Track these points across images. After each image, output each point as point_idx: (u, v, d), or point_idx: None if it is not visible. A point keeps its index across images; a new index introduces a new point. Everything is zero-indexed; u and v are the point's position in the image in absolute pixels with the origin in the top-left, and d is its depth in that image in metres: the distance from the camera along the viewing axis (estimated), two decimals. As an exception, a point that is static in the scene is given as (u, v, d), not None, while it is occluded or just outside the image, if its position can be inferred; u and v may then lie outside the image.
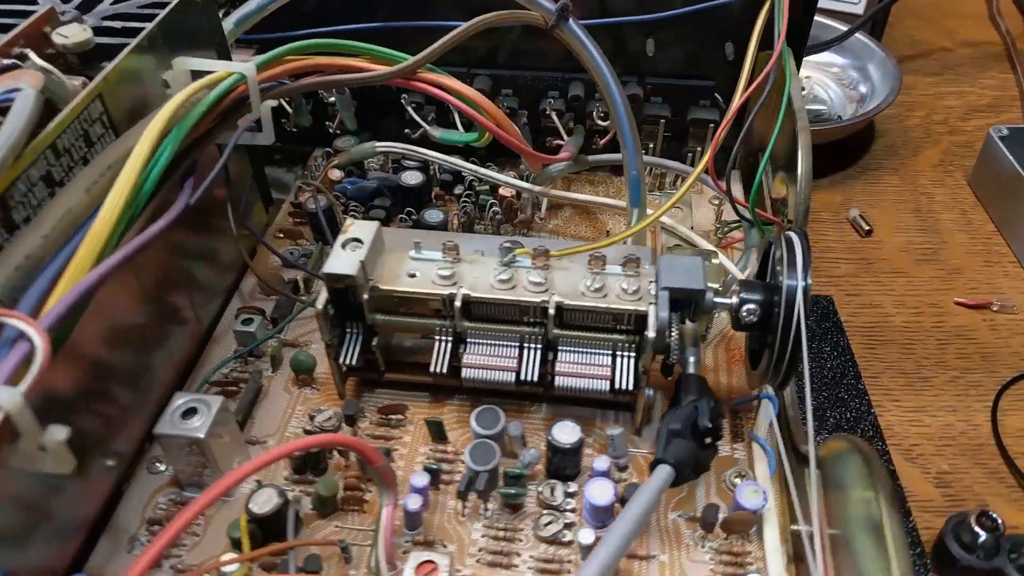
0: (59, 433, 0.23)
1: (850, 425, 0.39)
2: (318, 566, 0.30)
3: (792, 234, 0.32)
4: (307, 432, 0.36)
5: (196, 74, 0.35)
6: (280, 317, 0.40)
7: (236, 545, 0.31)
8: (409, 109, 0.47)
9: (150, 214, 0.30)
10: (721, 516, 0.32)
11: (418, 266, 0.34)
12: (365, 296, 0.33)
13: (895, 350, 0.44)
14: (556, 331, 0.34)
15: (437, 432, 0.36)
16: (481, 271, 0.34)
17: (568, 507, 0.33)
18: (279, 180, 0.52)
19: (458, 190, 0.47)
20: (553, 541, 0.32)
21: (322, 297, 0.33)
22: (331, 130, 0.49)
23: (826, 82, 0.59)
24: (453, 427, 0.36)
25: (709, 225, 0.46)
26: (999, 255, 0.49)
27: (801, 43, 0.43)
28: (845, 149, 0.56)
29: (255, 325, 0.39)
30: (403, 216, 0.45)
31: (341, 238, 0.34)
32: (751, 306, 0.32)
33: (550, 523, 0.32)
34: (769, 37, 0.41)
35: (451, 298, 0.33)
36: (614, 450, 0.34)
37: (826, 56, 0.59)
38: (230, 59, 0.42)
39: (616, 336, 0.34)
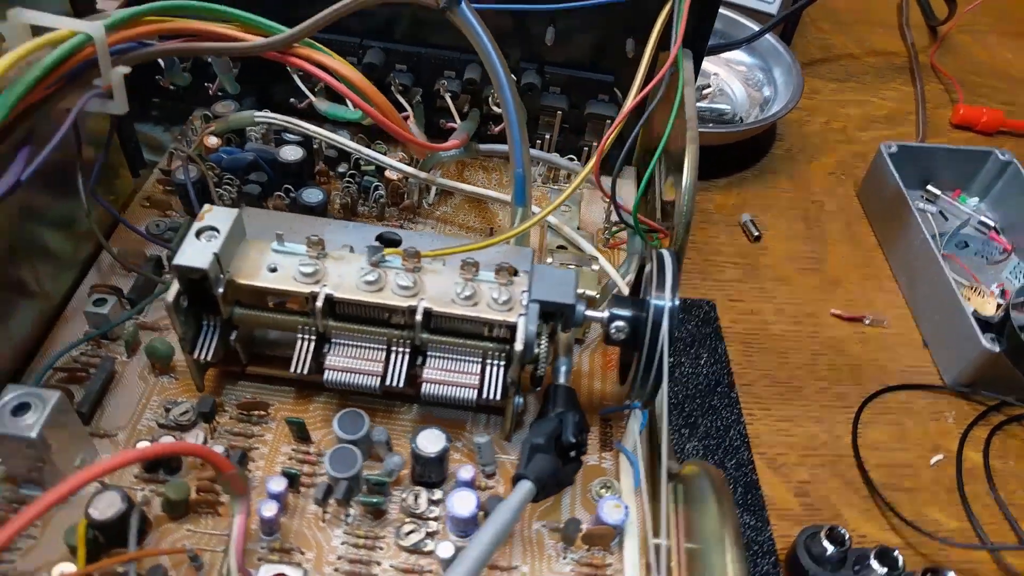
0: None
1: (720, 433, 0.40)
2: (162, 576, 0.29)
3: (664, 252, 0.32)
4: (160, 426, 0.34)
5: (38, 30, 0.32)
6: (138, 297, 0.38)
7: (74, 552, 0.29)
8: (295, 77, 0.44)
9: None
10: (585, 527, 0.32)
11: (280, 259, 0.32)
12: (220, 291, 0.31)
13: (771, 358, 0.45)
14: (425, 336, 0.32)
15: (299, 432, 0.34)
16: (347, 269, 0.32)
17: (431, 515, 0.32)
18: (154, 140, 0.49)
19: (342, 168, 0.45)
20: (414, 551, 0.31)
21: (173, 290, 0.31)
22: (211, 92, 0.46)
23: (733, 80, 0.59)
24: (318, 427, 0.35)
25: (599, 223, 0.46)
26: (877, 269, 0.51)
27: (702, 44, 0.43)
28: (745, 150, 0.56)
29: (108, 306, 0.36)
30: (280, 194, 0.43)
31: (196, 225, 0.32)
32: (620, 323, 0.32)
33: (412, 532, 0.32)
34: (671, 36, 0.41)
35: (313, 297, 0.31)
36: (481, 458, 0.34)
37: (735, 54, 0.59)
38: (94, 8, 0.39)
39: (487, 344, 0.33)
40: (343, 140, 0.43)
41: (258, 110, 0.45)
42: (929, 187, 0.53)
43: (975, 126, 0.61)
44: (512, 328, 0.32)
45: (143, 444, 0.32)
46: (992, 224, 0.51)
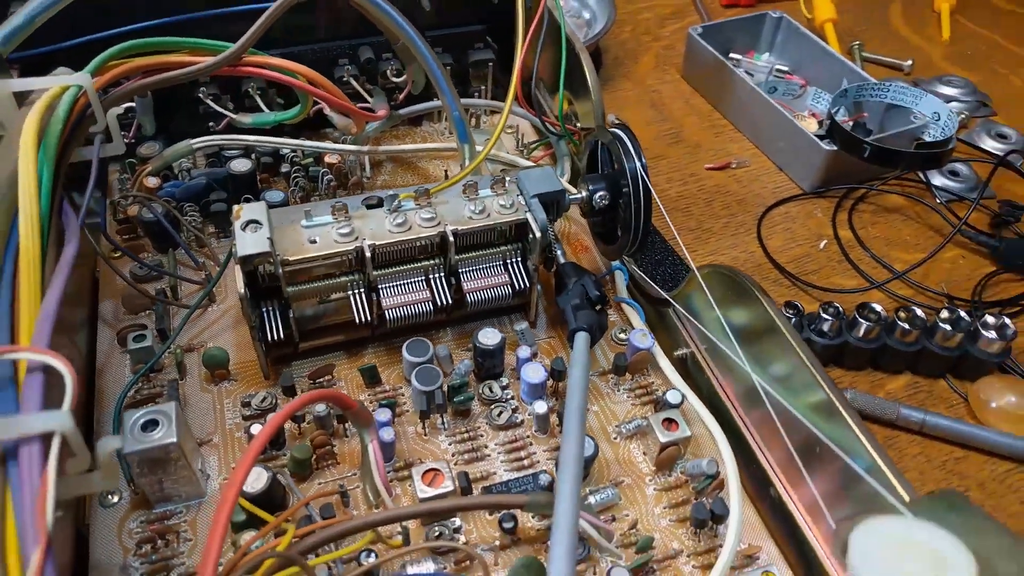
0: (114, 442, 0.23)
1: (672, 276, 0.49)
2: (332, 512, 0.33)
3: (616, 131, 0.40)
4: (245, 418, 0.37)
5: (19, 96, 0.34)
6: (167, 328, 0.40)
7: (239, 528, 0.32)
8: (208, 101, 0.47)
9: (55, 237, 0.30)
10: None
11: (314, 232, 0.37)
12: (280, 271, 0.35)
13: (680, 215, 0.55)
14: (455, 257, 0.38)
15: (371, 377, 0.39)
16: (373, 222, 0.37)
17: (508, 397, 0.39)
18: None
19: (284, 169, 0.49)
20: (509, 426, 0.37)
21: (240, 282, 0.34)
22: (128, 139, 0.48)
23: (551, 15, 0.68)
24: (381, 369, 0.39)
25: (510, 148, 0.53)
26: (721, 126, 0.62)
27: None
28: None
29: (149, 340, 0.38)
30: (243, 204, 0.46)
31: (237, 224, 0.35)
32: (602, 193, 0.40)
33: (501, 413, 0.38)
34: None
35: (359, 251, 0.36)
36: (525, 340, 0.40)
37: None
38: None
39: (503, 247, 0.39)
40: (288, 140, 0.47)
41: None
42: (731, 55, 0.66)
43: (740, 3, 0.75)
44: (522, 225, 0.39)
45: (257, 427, 0.36)
46: (785, 69, 0.65)
